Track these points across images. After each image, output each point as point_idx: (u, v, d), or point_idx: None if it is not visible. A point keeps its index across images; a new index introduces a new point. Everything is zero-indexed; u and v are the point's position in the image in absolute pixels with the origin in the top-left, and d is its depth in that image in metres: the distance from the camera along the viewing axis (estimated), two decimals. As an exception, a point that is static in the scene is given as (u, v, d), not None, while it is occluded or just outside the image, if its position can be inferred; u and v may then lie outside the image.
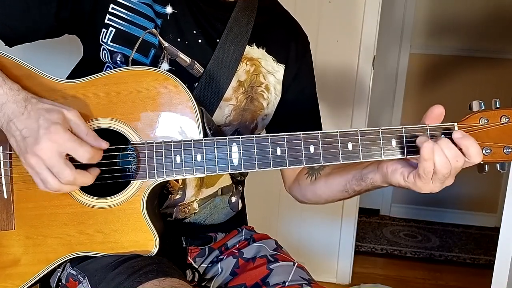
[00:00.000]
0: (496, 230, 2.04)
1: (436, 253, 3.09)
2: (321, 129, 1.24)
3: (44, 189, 0.92)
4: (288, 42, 1.21)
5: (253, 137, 0.97)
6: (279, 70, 1.19)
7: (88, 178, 0.94)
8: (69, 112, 0.92)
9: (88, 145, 0.91)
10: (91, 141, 0.92)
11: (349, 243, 2.61)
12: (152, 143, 0.97)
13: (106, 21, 1.06)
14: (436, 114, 0.94)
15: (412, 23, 3.43)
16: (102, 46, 1.07)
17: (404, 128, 0.94)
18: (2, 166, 0.99)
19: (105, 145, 0.94)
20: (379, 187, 1.01)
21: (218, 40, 1.12)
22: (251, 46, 1.15)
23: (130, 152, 1.01)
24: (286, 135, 0.96)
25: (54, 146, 0.89)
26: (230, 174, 1.20)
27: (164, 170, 0.97)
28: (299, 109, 1.22)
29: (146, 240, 1.00)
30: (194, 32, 1.10)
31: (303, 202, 1.25)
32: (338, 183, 1.10)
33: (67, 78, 1.05)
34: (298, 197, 1.25)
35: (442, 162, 0.88)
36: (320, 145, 0.96)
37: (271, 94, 1.19)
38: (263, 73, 1.17)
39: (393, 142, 0.95)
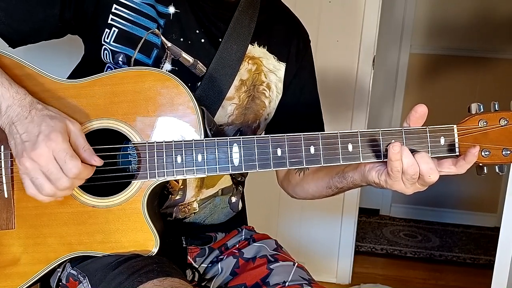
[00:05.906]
0: (496, 230, 2.04)
1: (436, 253, 3.09)
2: (322, 126, 1.24)
3: (34, 194, 0.92)
4: (289, 40, 1.21)
5: (253, 137, 0.97)
6: (280, 68, 1.19)
7: (82, 181, 0.94)
8: (71, 124, 0.92)
9: (79, 162, 0.90)
10: (85, 156, 0.92)
11: (349, 243, 2.61)
12: (153, 143, 0.97)
13: (109, 21, 1.07)
14: (420, 114, 0.94)
15: (412, 23, 3.43)
16: (104, 46, 1.07)
17: (404, 129, 0.95)
18: (3, 165, 0.99)
19: (98, 162, 0.93)
20: (360, 185, 1.03)
21: (220, 40, 1.12)
22: (253, 45, 1.15)
23: (131, 152, 1.01)
24: (286, 136, 0.96)
25: (50, 153, 0.89)
26: (230, 174, 1.20)
27: (165, 170, 0.97)
28: (300, 106, 1.22)
29: (146, 240, 1.00)
30: (197, 31, 1.10)
31: (293, 197, 1.26)
32: (322, 180, 1.12)
33: (67, 78, 1.05)
34: (288, 192, 1.26)
35: (409, 163, 0.90)
36: (321, 146, 0.96)
37: (273, 93, 1.19)
38: (264, 72, 1.17)
39: (393, 143, 0.95)
